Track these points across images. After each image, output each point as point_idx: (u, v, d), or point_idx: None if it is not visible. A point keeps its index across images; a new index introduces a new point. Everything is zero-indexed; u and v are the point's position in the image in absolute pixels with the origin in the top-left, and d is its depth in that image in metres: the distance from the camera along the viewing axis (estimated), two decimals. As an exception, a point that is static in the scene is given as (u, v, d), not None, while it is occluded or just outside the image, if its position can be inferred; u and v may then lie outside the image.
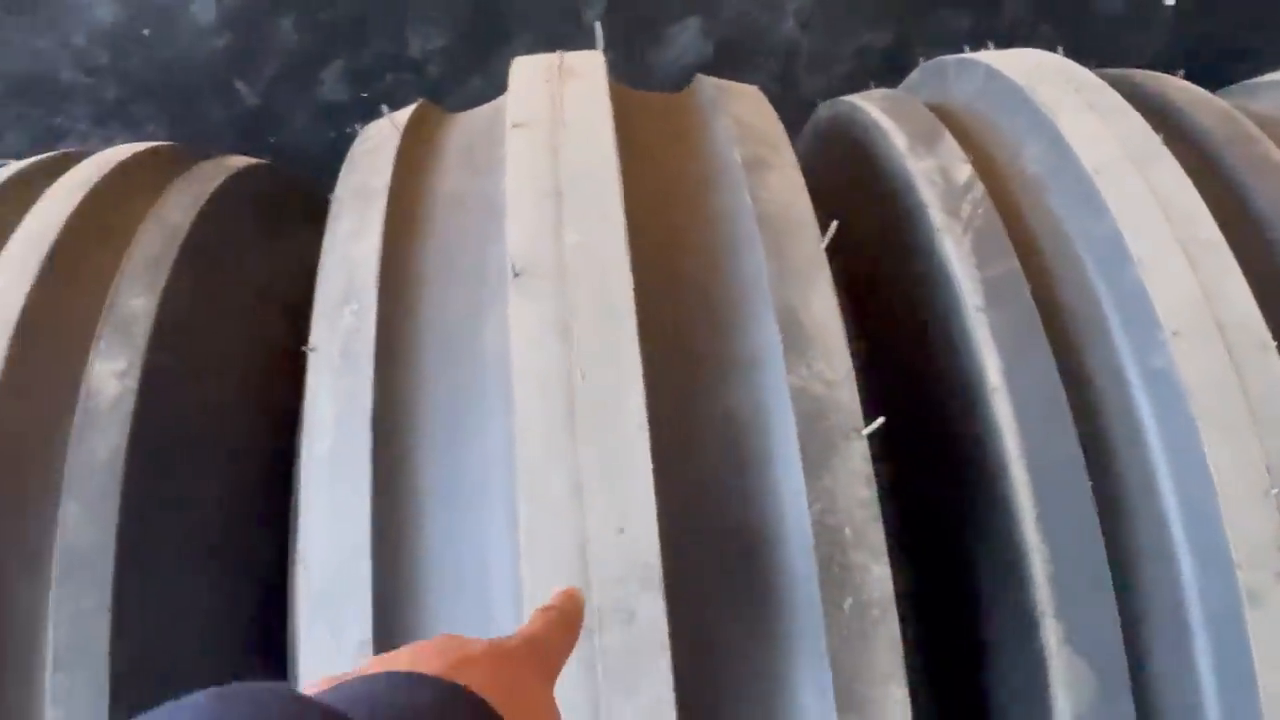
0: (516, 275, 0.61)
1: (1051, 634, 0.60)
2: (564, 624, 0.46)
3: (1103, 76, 0.84)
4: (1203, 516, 0.60)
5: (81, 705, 0.58)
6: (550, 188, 0.66)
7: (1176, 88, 0.87)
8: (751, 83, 1.01)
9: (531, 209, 0.65)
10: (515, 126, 0.72)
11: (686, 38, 1.28)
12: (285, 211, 0.94)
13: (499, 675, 0.38)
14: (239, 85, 1.29)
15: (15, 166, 0.87)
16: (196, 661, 0.66)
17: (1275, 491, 0.59)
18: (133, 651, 0.59)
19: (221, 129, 1.26)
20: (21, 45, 1.29)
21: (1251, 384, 0.62)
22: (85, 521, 0.61)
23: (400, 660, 0.38)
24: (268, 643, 0.68)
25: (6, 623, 0.58)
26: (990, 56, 0.90)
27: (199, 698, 0.28)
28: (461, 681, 0.35)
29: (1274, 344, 0.63)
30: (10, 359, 0.65)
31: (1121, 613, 0.61)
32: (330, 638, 0.56)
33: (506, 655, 0.40)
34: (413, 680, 0.35)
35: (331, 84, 1.29)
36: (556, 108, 0.73)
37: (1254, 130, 0.79)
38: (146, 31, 1.26)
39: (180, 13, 1.26)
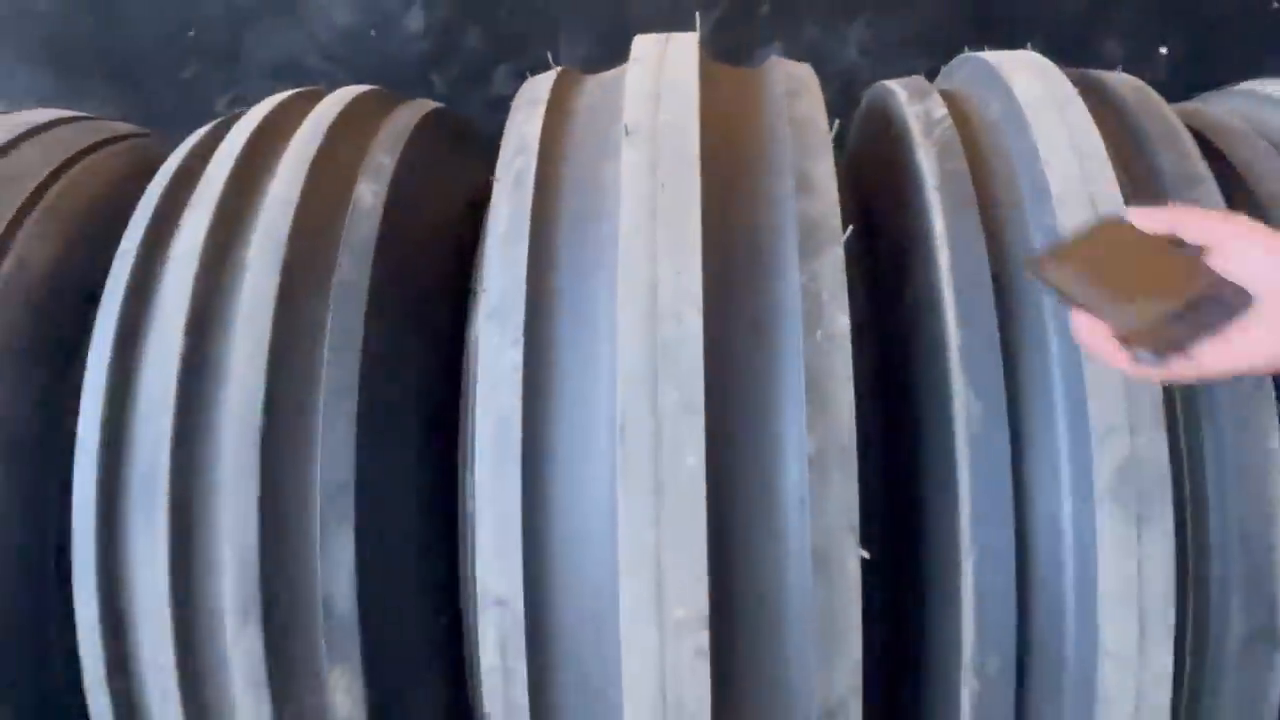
0: (627, 134, 0.95)
1: (956, 374, 0.90)
2: None
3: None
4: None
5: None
6: (653, 91, 1.00)
7: (1114, 75, 1.17)
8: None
9: (639, 101, 0.98)
10: (633, 61, 1.07)
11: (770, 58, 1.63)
12: (470, 139, 1.32)
13: None
14: (434, 78, 1.67)
15: (292, 91, 1.26)
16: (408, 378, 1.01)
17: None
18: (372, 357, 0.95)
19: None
20: (279, 38, 1.69)
21: (1099, 199, 0.91)
22: (350, 269, 0.97)
23: None
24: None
25: (302, 333, 0.95)
26: (984, 54, 1.22)
27: None
28: None
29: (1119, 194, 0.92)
30: (306, 187, 1.03)
31: (1009, 385, 0.90)
32: (498, 334, 0.90)
33: None
34: None
35: (499, 82, 1.67)
36: (661, 54, 1.07)
37: (1158, 100, 1.09)
38: (373, 33, 1.66)
39: (398, 21, 1.64)
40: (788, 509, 0.85)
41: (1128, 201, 0.93)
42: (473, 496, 0.89)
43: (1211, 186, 0.97)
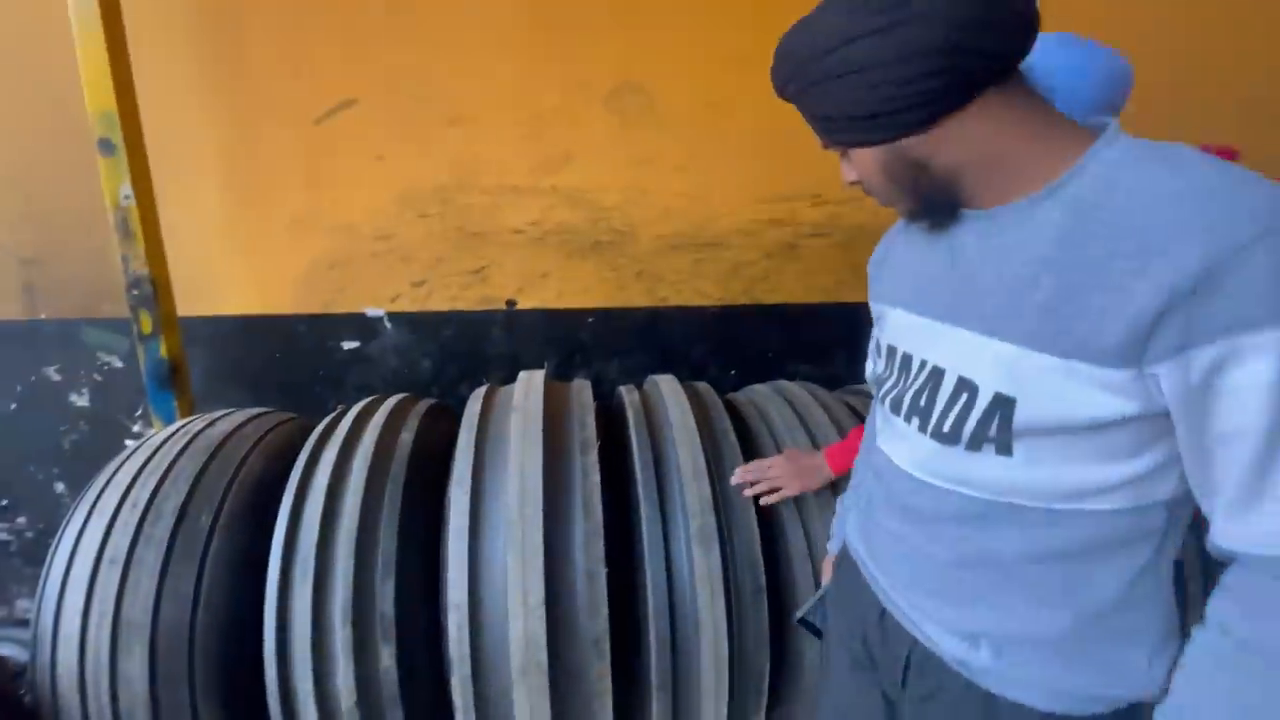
0: (514, 410, 1.24)
1: (641, 497, 1.18)
2: None
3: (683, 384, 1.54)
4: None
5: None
6: (526, 392, 1.27)
7: (700, 384, 1.57)
8: (601, 395, 1.65)
9: (520, 395, 1.24)
10: (519, 381, 1.37)
11: (582, 375, 1.97)
12: (454, 414, 1.57)
13: None
14: (434, 388, 1.89)
15: (371, 398, 1.49)
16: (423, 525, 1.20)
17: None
18: (402, 521, 1.15)
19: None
20: (363, 374, 1.88)
21: (689, 428, 1.26)
22: (398, 469, 1.19)
23: None
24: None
25: (374, 511, 1.15)
26: (655, 376, 1.59)
27: None
28: None
29: (695, 424, 1.28)
30: (380, 434, 1.25)
31: (660, 503, 1.20)
32: (459, 489, 1.12)
33: None
34: None
35: (464, 392, 1.92)
36: (530, 379, 1.35)
37: (712, 392, 1.48)
38: (405, 370, 1.90)
39: (419, 365, 1.79)
40: (577, 553, 1.05)
41: (699, 427, 1.27)
42: (447, 558, 1.06)
43: (728, 422, 1.30)
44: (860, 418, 1.43)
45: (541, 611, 1.01)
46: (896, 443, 0.62)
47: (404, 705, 1.02)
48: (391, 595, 1.04)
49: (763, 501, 1.12)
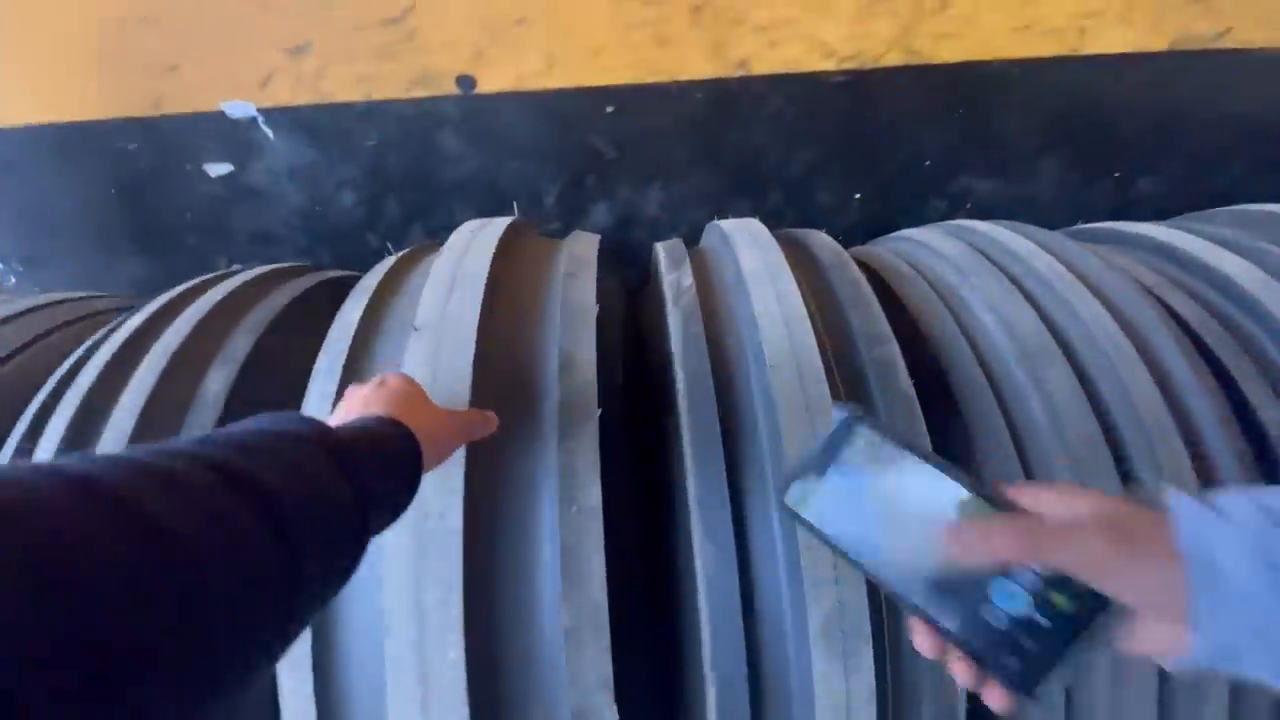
0: (416, 330, 0.59)
1: (695, 523, 0.56)
2: (479, 421, 0.50)
3: (776, 232, 0.80)
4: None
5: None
6: (449, 283, 0.63)
7: (815, 235, 0.83)
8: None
9: (433, 295, 0.61)
10: (445, 249, 0.70)
11: (599, 213, 1.26)
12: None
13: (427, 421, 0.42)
14: (369, 236, 1.25)
15: (259, 268, 0.81)
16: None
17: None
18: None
19: (363, 259, 1.23)
20: (254, 216, 1.22)
21: (803, 363, 0.58)
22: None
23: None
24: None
25: None
26: (722, 223, 0.86)
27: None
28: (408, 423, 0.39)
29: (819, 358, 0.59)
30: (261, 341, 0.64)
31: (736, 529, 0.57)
32: None
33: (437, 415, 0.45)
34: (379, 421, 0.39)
35: (416, 237, 1.27)
36: (467, 246, 0.69)
37: (848, 260, 0.74)
38: (318, 208, 1.21)
39: (335, 199, 1.21)
40: (553, 682, 0.49)
41: (826, 359, 0.59)
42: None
43: (893, 346, 0.63)
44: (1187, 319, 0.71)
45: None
46: None
47: None
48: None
49: None
